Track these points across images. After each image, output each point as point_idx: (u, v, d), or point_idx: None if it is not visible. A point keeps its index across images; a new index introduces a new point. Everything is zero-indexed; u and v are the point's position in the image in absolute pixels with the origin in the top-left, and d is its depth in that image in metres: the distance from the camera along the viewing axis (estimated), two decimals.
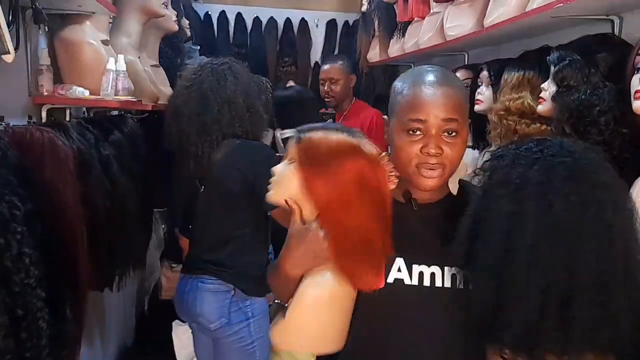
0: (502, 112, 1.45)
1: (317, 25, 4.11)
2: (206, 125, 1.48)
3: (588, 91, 1.16)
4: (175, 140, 1.53)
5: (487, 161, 0.87)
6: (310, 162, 0.88)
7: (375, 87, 3.33)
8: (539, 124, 1.39)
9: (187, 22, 2.53)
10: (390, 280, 0.93)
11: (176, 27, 2.06)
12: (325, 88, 2.67)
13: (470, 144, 1.76)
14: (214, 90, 1.51)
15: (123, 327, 2.45)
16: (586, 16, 1.38)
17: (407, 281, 0.93)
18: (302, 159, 0.89)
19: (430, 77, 0.92)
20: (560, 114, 1.22)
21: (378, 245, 0.88)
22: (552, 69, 1.26)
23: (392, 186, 0.95)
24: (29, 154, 1.04)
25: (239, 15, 3.97)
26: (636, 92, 1.03)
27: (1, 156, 0.90)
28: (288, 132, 1.17)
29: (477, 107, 1.70)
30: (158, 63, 2.17)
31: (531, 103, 1.40)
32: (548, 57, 1.28)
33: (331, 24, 4.10)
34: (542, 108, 1.29)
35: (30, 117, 1.46)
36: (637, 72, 1.04)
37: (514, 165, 0.79)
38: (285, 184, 0.91)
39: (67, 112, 1.65)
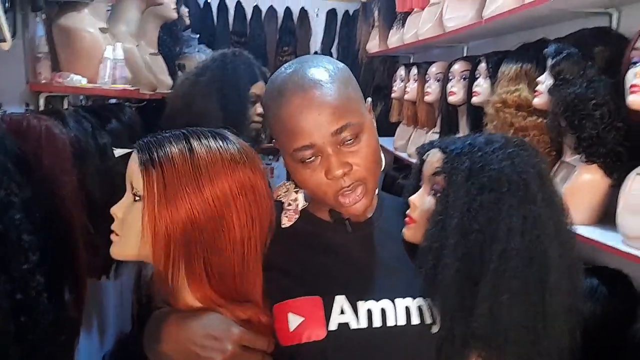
0: (498, 105, 1.45)
1: (317, 15, 4.10)
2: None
3: (584, 84, 1.16)
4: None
5: (445, 160, 0.78)
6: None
7: (374, 77, 3.32)
8: (535, 117, 1.39)
9: (187, 10, 2.52)
10: (333, 326, 0.74)
11: (175, 15, 2.06)
12: None
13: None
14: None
15: (121, 313, 2.48)
16: (584, 9, 1.38)
17: (353, 325, 0.75)
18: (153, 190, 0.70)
19: (299, 83, 0.72)
20: (556, 107, 1.23)
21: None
22: (549, 61, 1.26)
23: (288, 223, 0.82)
24: (26, 142, 1.05)
25: (238, 4, 3.96)
26: (631, 86, 1.03)
27: None
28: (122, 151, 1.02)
29: (474, 99, 1.70)
30: (157, 51, 2.16)
31: (528, 96, 1.40)
32: (545, 50, 1.28)
33: (331, 14, 4.10)
34: (538, 101, 1.30)
35: (27, 105, 1.46)
36: (633, 66, 1.05)
37: (478, 162, 0.74)
38: (134, 234, 0.72)
39: (65, 100, 1.65)
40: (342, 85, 0.75)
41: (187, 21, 2.52)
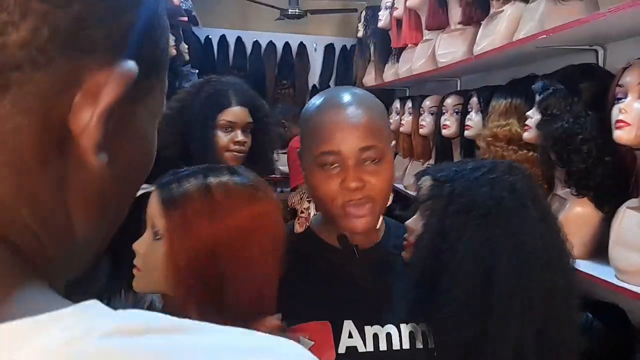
0: (489, 139, 1.48)
1: (315, 49, 4.20)
2: None
3: (571, 120, 1.18)
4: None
5: (431, 187, 0.81)
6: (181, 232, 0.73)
7: None
8: (525, 151, 1.41)
9: (186, 46, 2.59)
10: (342, 350, 0.78)
11: (173, 52, 2.11)
12: None
13: None
14: None
15: None
16: (570, 46, 1.42)
17: (360, 348, 0.78)
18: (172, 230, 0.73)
19: (340, 100, 0.80)
20: (544, 141, 1.24)
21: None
22: (537, 97, 1.28)
23: (300, 229, 0.85)
24: None
25: (238, 39, 4.06)
26: (616, 122, 1.05)
27: None
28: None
29: (467, 133, 1.73)
30: None
31: (518, 130, 1.42)
32: (533, 86, 1.31)
33: (329, 48, 4.20)
34: (528, 135, 1.32)
35: None
36: (617, 102, 1.07)
37: (471, 189, 0.76)
38: (155, 269, 0.75)
39: None
40: (376, 113, 0.82)
41: (187, 57, 2.58)
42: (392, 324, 0.80)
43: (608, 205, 1.17)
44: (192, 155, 1.33)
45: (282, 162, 2.84)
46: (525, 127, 1.33)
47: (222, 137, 1.38)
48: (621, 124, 1.03)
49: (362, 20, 3.05)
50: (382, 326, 0.80)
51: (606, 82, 1.16)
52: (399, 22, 2.49)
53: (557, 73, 1.30)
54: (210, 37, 4.03)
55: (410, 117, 2.34)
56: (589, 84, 1.21)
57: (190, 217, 0.73)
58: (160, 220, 0.75)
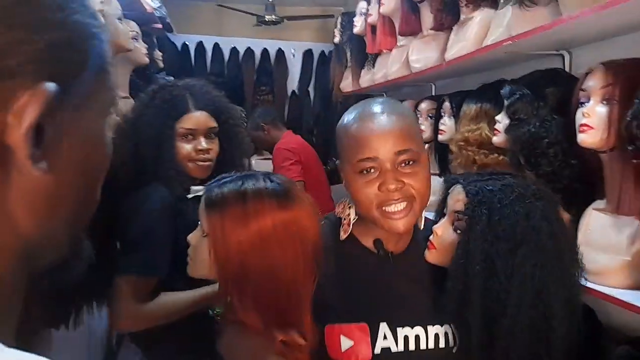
0: (461, 143, 1.49)
1: (293, 55, 4.20)
2: None
3: (537, 124, 1.20)
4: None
5: (467, 206, 0.87)
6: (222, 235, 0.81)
7: None
8: (496, 154, 1.43)
9: (160, 53, 2.56)
10: (377, 350, 0.86)
11: (146, 60, 2.08)
12: None
13: (437, 171, 1.80)
14: None
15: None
16: (537, 52, 1.44)
17: (393, 349, 0.86)
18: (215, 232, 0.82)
19: (373, 110, 0.86)
20: (513, 145, 1.26)
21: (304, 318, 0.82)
22: (505, 102, 1.30)
23: (344, 235, 0.91)
24: None
25: (216, 46, 4.04)
26: (580, 125, 1.07)
27: None
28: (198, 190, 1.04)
29: (440, 137, 1.74)
30: (128, 95, 2.17)
31: (489, 134, 1.44)
32: (501, 91, 1.33)
33: (307, 54, 4.20)
34: (497, 139, 1.33)
35: None
36: (581, 106, 1.09)
37: (499, 207, 0.83)
38: (205, 261, 0.85)
39: None
40: (408, 119, 0.89)
41: (161, 64, 2.54)
42: (420, 325, 0.88)
43: (575, 208, 1.19)
44: (148, 171, 1.24)
45: (259, 167, 2.83)
46: (495, 132, 1.35)
47: (183, 147, 1.26)
48: (585, 127, 1.05)
49: (338, 26, 3.06)
50: (412, 327, 0.87)
51: (571, 87, 1.18)
52: (373, 28, 2.50)
53: (524, 78, 1.32)
54: (187, 43, 4.00)
55: None
56: (554, 88, 1.24)
57: (225, 220, 0.81)
58: (204, 220, 0.85)
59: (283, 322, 0.82)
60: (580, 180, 1.18)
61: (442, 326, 0.89)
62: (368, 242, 0.92)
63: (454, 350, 0.89)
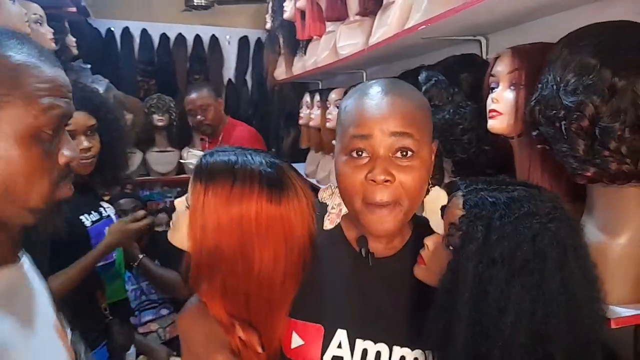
0: None
1: (229, 42, 4.05)
2: None
3: (452, 110, 1.18)
4: None
5: (462, 220, 0.70)
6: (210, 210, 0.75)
7: (285, 105, 3.31)
8: None
9: (74, 39, 2.36)
10: (327, 358, 0.77)
11: (52, 46, 1.90)
12: (199, 117, 2.63)
13: None
14: None
15: None
16: (453, 37, 1.43)
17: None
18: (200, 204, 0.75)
19: (377, 88, 0.77)
20: None
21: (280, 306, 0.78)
22: (422, 88, 1.28)
23: (330, 225, 0.84)
24: None
25: (144, 32, 3.81)
26: (489, 111, 1.06)
27: None
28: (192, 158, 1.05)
29: None
30: None
31: None
32: (419, 77, 1.31)
33: (243, 41, 4.06)
34: None
35: None
36: (491, 92, 1.08)
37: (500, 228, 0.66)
38: (184, 231, 0.79)
39: None
40: (416, 105, 0.78)
41: (75, 51, 2.35)
42: (385, 343, 0.77)
43: None
44: None
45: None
46: None
47: None
48: (493, 113, 1.04)
49: (270, 11, 2.96)
50: (375, 343, 0.77)
51: (485, 72, 1.17)
52: (303, 13, 2.43)
53: (440, 64, 1.30)
54: (112, 29, 3.75)
55: (319, 111, 2.30)
56: (468, 74, 1.22)
57: (208, 194, 0.74)
58: (189, 187, 0.78)
59: (248, 320, 0.76)
60: (495, 167, 1.18)
61: (412, 350, 0.78)
62: (352, 237, 0.83)
63: None
